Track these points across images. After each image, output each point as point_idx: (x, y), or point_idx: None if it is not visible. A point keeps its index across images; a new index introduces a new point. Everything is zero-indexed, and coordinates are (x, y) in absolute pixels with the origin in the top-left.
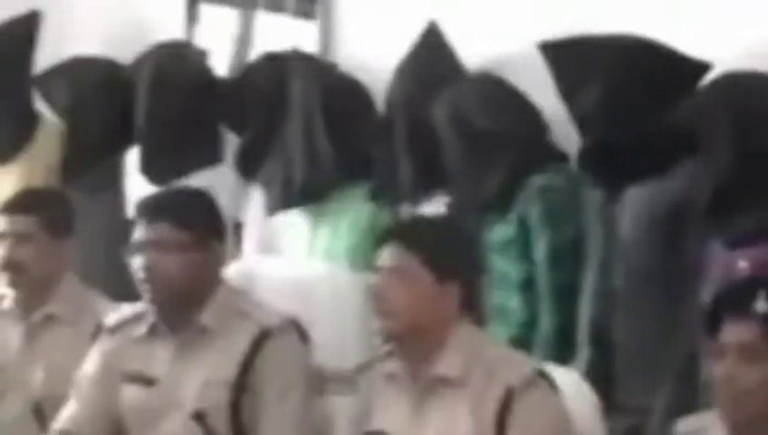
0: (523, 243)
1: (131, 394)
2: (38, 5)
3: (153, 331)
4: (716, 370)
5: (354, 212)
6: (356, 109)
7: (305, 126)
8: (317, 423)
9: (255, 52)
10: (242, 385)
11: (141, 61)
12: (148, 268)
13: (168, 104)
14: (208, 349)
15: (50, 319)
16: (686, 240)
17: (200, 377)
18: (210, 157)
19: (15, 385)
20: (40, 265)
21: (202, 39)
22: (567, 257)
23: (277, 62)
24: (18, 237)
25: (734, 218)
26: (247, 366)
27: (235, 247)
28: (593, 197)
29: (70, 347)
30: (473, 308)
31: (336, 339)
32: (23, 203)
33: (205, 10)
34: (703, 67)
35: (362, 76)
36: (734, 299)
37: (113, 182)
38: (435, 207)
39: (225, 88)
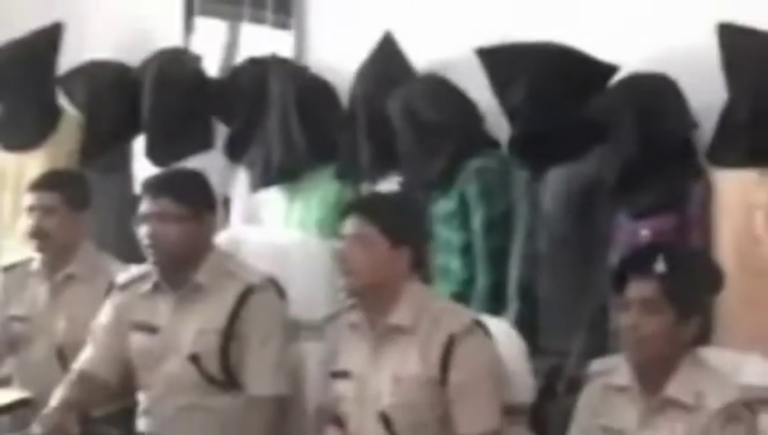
0: (462, 215)
1: (138, 340)
2: (61, 18)
3: (156, 288)
4: (622, 320)
5: (323, 189)
6: (324, 104)
7: (282, 118)
8: (292, 365)
9: (241, 56)
10: (230, 333)
11: (146, 64)
12: (152, 236)
13: (169, 100)
14: (202, 303)
15: (70, 278)
16: (598, 213)
17: (195, 326)
18: (203, 143)
19: (42, 333)
20: (62, 233)
21: (197, 46)
22: (499, 227)
23: (259, 65)
24: (44, 210)
25: (638, 194)
26: (234, 317)
27: (224, 219)
28: (521, 177)
29: (87, 301)
30: (421, 268)
31: (308, 295)
32: (48, 182)
33: (199, 22)
34: (612, 69)
35: (330, 77)
36: (638, 261)
37: (123, 164)
38: (389, 185)
39: (215, 87)
